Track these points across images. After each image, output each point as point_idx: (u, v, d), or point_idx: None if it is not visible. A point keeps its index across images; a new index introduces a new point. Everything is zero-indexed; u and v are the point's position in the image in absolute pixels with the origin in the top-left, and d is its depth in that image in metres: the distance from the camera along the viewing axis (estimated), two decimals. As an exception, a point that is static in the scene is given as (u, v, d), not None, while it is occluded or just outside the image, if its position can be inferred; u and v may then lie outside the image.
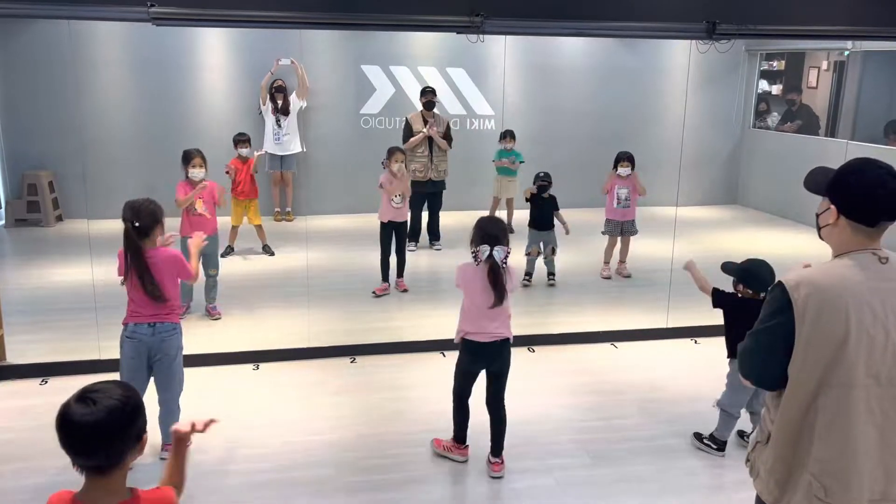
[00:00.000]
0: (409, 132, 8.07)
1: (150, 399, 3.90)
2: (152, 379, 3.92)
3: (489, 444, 3.97)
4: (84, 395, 1.88)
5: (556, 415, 4.59)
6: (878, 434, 2.07)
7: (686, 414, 4.57)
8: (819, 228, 2.25)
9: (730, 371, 4.12)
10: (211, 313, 6.10)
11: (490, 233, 3.73)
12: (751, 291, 4.06)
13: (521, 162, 8.79)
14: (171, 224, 4.51)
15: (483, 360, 3.87)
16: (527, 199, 6.95)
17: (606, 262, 7.40)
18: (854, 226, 2.13)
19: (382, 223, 6.69)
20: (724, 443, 4.16)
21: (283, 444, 4.18)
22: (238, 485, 3.81)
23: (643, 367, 5.34)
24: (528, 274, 7.02)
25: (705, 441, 4.21)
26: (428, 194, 8.20)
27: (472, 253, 3.74)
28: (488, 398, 3.94)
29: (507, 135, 8.76)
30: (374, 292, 6.67)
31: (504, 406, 3.95)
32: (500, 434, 3.95)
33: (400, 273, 6.86)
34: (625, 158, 7.19)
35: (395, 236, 6.74)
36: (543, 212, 6.93)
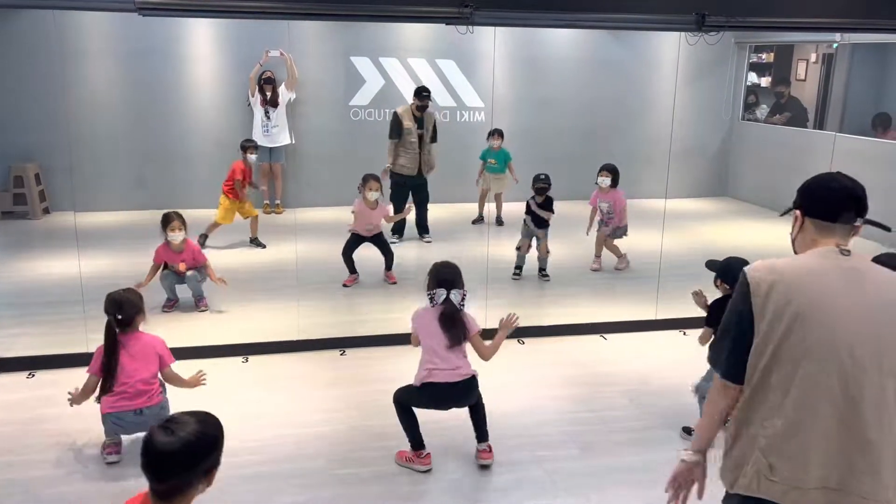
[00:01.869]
0: (397, 126, 8.04)
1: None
2: None
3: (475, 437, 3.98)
4: (166, 425, 2.05)
5: (545, 406, 4.61)
6: (837, 416, 2.04)
7: (675, 405, 4.60)
8: (793, 242, 2.35)
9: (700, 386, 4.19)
10: (198, 305, 6.10)
11: (445, 277, 3.81)
12: (728, 286, 4.11)
13: (507, 162, 8.77)
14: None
15: (451, 401, 3.88)
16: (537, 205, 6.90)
17: (598, 256, 7.41)
18: (817, 223, 2.23)
19: (353, 233, 6.74)
20: None
21: (273, 437, 4.18)
22: (228, 477, 3.79)
23: (632, 359, 5.37)
24: (518, 268, 7.02)
25: (692, 434, 4.22)
26: (413, 187, 8.18)
27: (429, 296, 3.82)
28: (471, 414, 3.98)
29: (495, 133, 8.73)
30: (343, 284, 6.70)
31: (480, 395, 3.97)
32: (482, 419, 3.95)
33: (388, 266, 6.87)
34: (604, 169, 7.16)
35: (373, 241, 6.79)
36: (540, 215, 6.87)
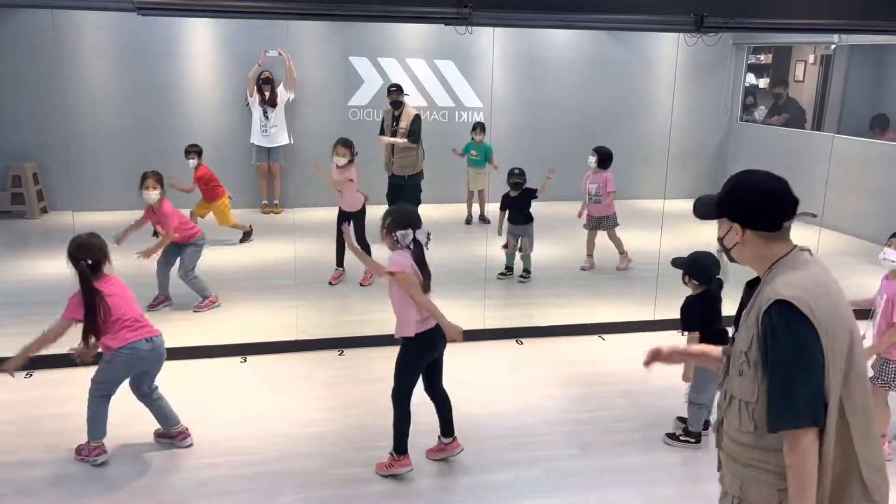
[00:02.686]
0: (382, 125, 8.06)
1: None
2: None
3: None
4: None
5: (543, 406, 4.61)
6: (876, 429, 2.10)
7: (673, 405, 4.60)
8: (727, 251, 2.22)
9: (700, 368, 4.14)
10: (210, 302, 6.13)
11: (408, 220, 3.64)
12: (696, 283, 4.11)
13: (489, 156, 8.80)
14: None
15: (439, 346, 3.79)
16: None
17: (589, 255, 7.40)
18: (763, 235, 2.11)
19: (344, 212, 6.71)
20: (699, 434, 4.21)
21: (272, 437, 4.17)
22: (226, 477, 3.80)
23: (630, 359, 5.36)
24: (508, 268, 7.00)
25: (682, 438, 4.23)
26: (397, 187, 8.11)
27: (394, 238, 3.59)
28: (429, 385, 3.89)
29: (477, 127, 8.82)
30: (329, 281, 6.70)
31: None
32: (449, 412, 3.92)
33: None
34: (593, 150, 7.22)
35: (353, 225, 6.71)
36: (519, 206, 6.85)
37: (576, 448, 4.14)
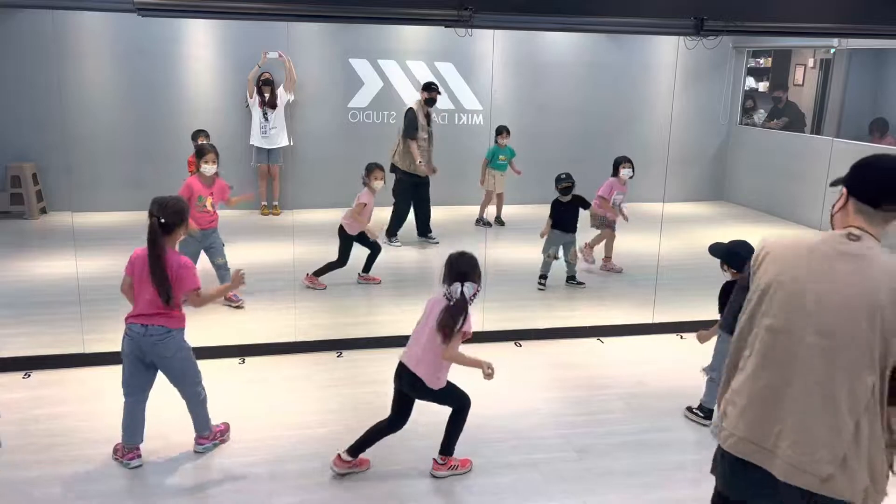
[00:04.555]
0: (414, 123, 8.02)
1: (157, 394, 3.91)
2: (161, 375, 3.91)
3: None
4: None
5: (542, 409, 4.60)
6: (781, 382, 2.20)
7: (672, 408, 4.60)
8: (832, 217, 2.33)
9: (718, 341, 4.23)
10: (232, 300, 6.12)
11: (461, 270, 3.66)
12: (734, 270, 4.24)
13: (512, 158, 8.91)
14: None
15: (399, 380, 3.77)
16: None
17: (590, 246, 7.38)
18: (857, 206, 2.20)
19: (352, 236, 6.64)
20: (711, 411, 4.33)
21: (270, 438, 4.17)
22: (225, 478, 3.79)
23: (629, 362, 5.37)
24: (543, 277, 6.91)
25: (694, 411, 4.42)
26: (422, 185, 8.16)
27: (445, 293, 3.66)
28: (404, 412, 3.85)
29: (504, 130, 8.85)
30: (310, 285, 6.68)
31: None
32: (447, 431, 3.88)
33: (370, 265, 6.88)
34: (626, 161, 7.19)
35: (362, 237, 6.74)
36: (568, 213, 6.81)
37: (574, 451, 4.14)
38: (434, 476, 3.84)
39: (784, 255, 2.24)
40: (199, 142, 7.46)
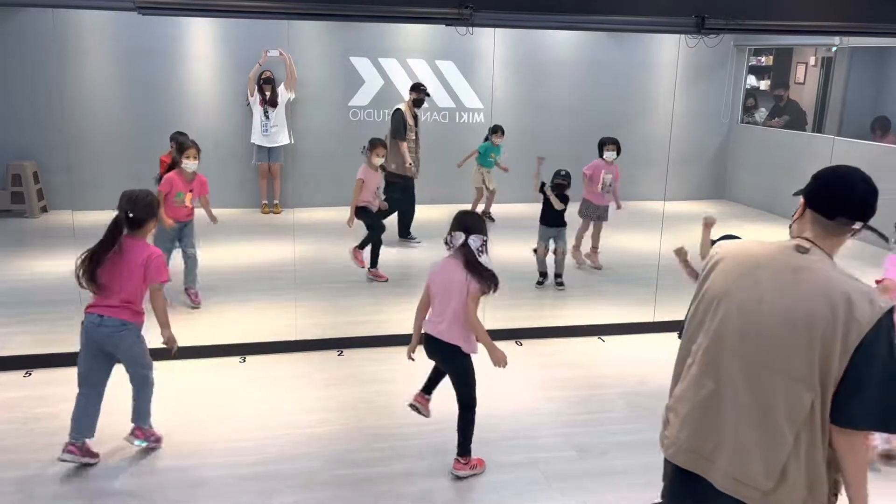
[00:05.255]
0: (403, 124, 8.00)
1: (112, 387, 3.90)
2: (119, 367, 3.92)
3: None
4: None
5: (542, 408, 4.60)
6: (721, 393, 2.19)
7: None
8: (790, 227, 2.30)
9: None
10: (192, 298, 6.08)
11: (467, 224, 3.69)
12: None
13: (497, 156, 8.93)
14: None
15: (433, 354, 3.86)
16: (539, 191, 6.82)
17: (577, 247, 7.39)
18: (814, 217, 2.17)
19: (370, 210, 6.72)
20: None
21: (270, 437, 4.17)
22: (224, 477, 3.79)
23: (630, 361, 5.36)
24: (543, 274, 6.91)
25: None
26: (409, 187, 8.13)
27: (445, 240, 3.69)
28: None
29: (499, 130, 8.86)
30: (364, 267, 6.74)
31: None
32: (460, 429, 3.91)
33: (368, 250, 6.91)
34: (610, 142, 7.19)
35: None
36: (558, 211, 6.81)
37: (574, 450, 4.14)
38: (456, 476, 3.83)
39: (734, 267, 2.21)
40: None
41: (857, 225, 2.13)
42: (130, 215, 3.75)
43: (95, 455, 3.87)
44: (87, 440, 3.85)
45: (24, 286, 6.56)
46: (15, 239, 8.22)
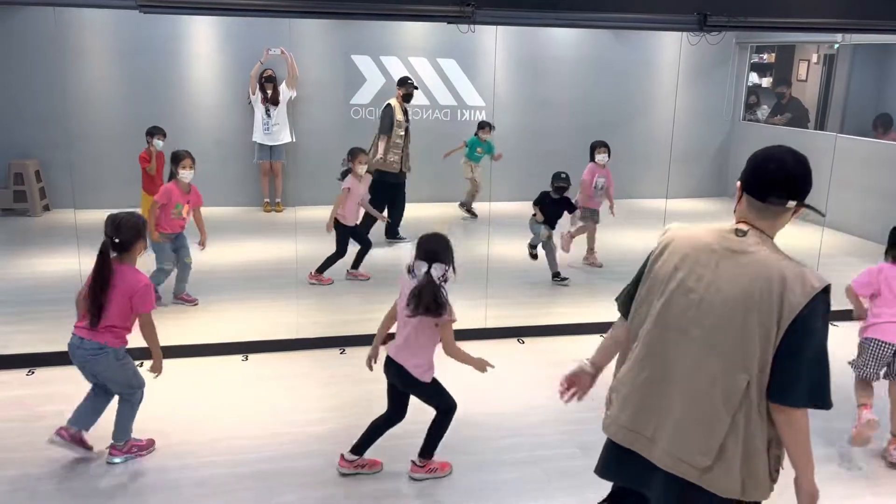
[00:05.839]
0: (390, 119, 7.93)
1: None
2: None
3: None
4: None
5: (544, 406, 4.60)
6: (662, 374, 2.23)
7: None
8: (734, 213, 2.32)
9: None
10: (187, 300, 6.09)
11: (430, 249, 3.55)
12: None
13: (490, 153, 8.91)
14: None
15: (390, 376, 3.76)
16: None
17: (572, 236, 7.39)
18: (748, 200, 2.18)
19: (347, 227, 6.70)
20: None
21: (272, 435, 4.17)
22: (225, 475, 3.79)
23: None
24: (533, 247, 6.96)
25: None
26: (399, 185, 8.06)
27: (407, 268, 3.59)
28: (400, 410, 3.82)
29: (486, 125, 8.92)
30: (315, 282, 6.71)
31: None
32: (429, 433, 3.82)
33: (360, 261, 6.89)
34: (601, 146, 7.20)
35: (356, 230, 6.79)
36: (556, 210, 6.84)
37: (576, 448, 4.14)
38: (412, 478, 3.79)
39: (681, 248, 2.25)
40: (157, 140, 7.16)
41: (791, 204, 2.13)
42: (116, 240, 3.69)
43: (88, 447, 3.87)
44: (84, 431, 3.86)
45: (26, 284, 6.57)
46: (17, 237, 8.23)
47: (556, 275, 6.94)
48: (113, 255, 3.72)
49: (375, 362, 3.82)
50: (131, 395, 3.89)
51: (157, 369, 3.91)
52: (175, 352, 5.16)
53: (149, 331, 3.81)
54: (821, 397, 2.06)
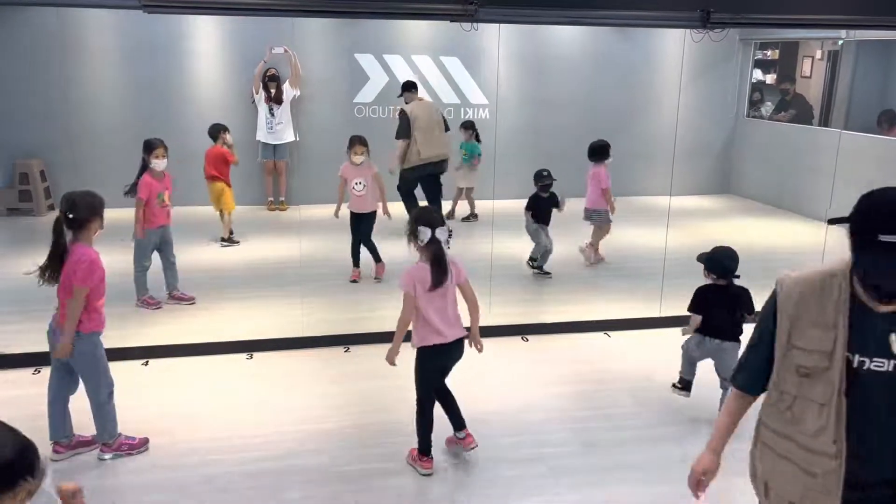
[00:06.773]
0: (407, 124, 7.95)
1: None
2: None
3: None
4: None
5: (549, 404, 4.61)
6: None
7: (679, 402, 4.59)
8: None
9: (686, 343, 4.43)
10: (181, 298, 6.10)
11: (428, 218, 3.67)
12: (714, 276, 4.27)
13: (478, 155, 8.82)
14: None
15: (448, 358, 3.83)
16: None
17: (595, 247, 7.40)
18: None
19: (352, 213, 6.74)
20: (689, 382, 4.47)
21: (278, 433, 4.19)
22: (231, 473, 3.81)
23: (636, 356, 5.36)
24: (534, 259, 7.00)
25: (675, 385, 4.52)
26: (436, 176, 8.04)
27: (411, 238, 3.66)
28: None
29: (468, 126, 8.86)
30: (351, 280, 6.75)
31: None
32: (455, 407, 3.94)
33: (376, 259, 6.87)
34: (607, 146, 7.31)
35: (364, 225, 6.76)
36: (546, 207, 6.87)
37: (580, 445, 4.14)
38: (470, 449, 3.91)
39: (804, 294, 2.22)
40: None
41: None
42: (70, 216, 3.65)
43: (89, 443, 3.90)
44: (77, 435, 3.90)
45: (32, 284, 6.55)
46: (23, 237, 8.25)
47: (532, 259, 6.98)
48: (68, 234, 3.68)
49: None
50: (97, 393, 3.82)
51: (64, 351, 3.71)
52: (180, 350, 5.18)
53: (74, 305, 3.64)
54: (736, 374, 2.34)
